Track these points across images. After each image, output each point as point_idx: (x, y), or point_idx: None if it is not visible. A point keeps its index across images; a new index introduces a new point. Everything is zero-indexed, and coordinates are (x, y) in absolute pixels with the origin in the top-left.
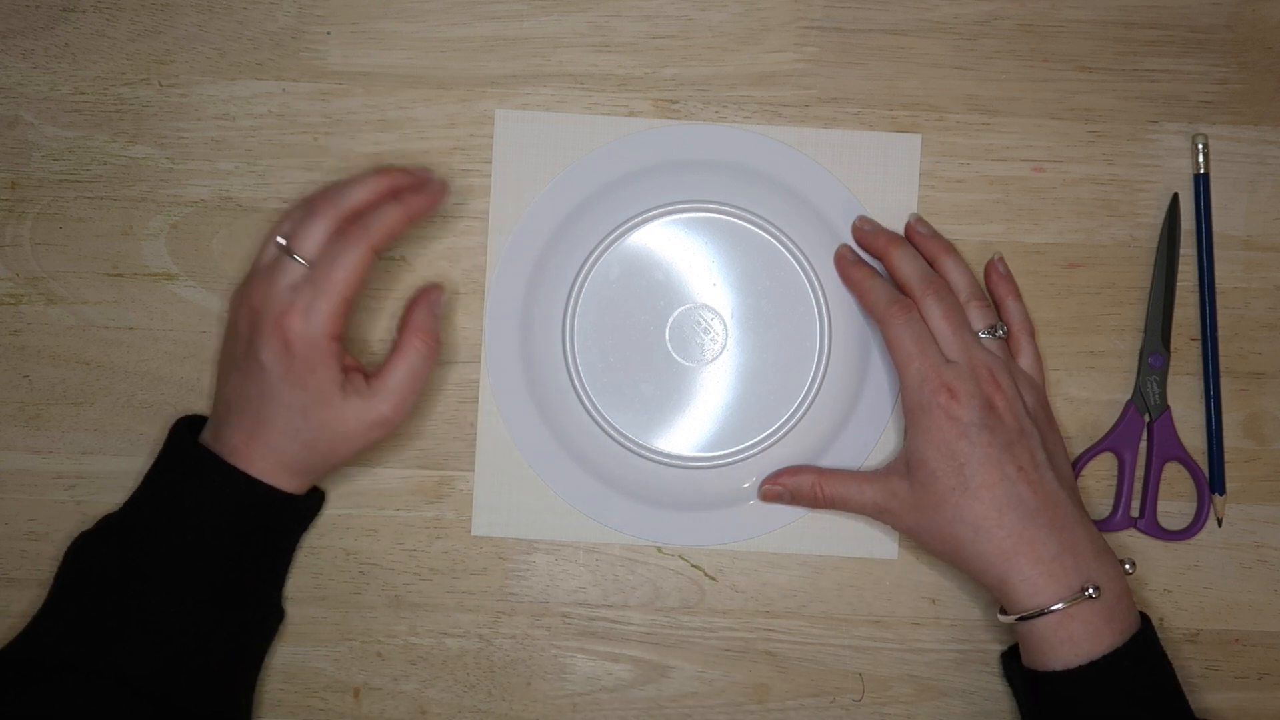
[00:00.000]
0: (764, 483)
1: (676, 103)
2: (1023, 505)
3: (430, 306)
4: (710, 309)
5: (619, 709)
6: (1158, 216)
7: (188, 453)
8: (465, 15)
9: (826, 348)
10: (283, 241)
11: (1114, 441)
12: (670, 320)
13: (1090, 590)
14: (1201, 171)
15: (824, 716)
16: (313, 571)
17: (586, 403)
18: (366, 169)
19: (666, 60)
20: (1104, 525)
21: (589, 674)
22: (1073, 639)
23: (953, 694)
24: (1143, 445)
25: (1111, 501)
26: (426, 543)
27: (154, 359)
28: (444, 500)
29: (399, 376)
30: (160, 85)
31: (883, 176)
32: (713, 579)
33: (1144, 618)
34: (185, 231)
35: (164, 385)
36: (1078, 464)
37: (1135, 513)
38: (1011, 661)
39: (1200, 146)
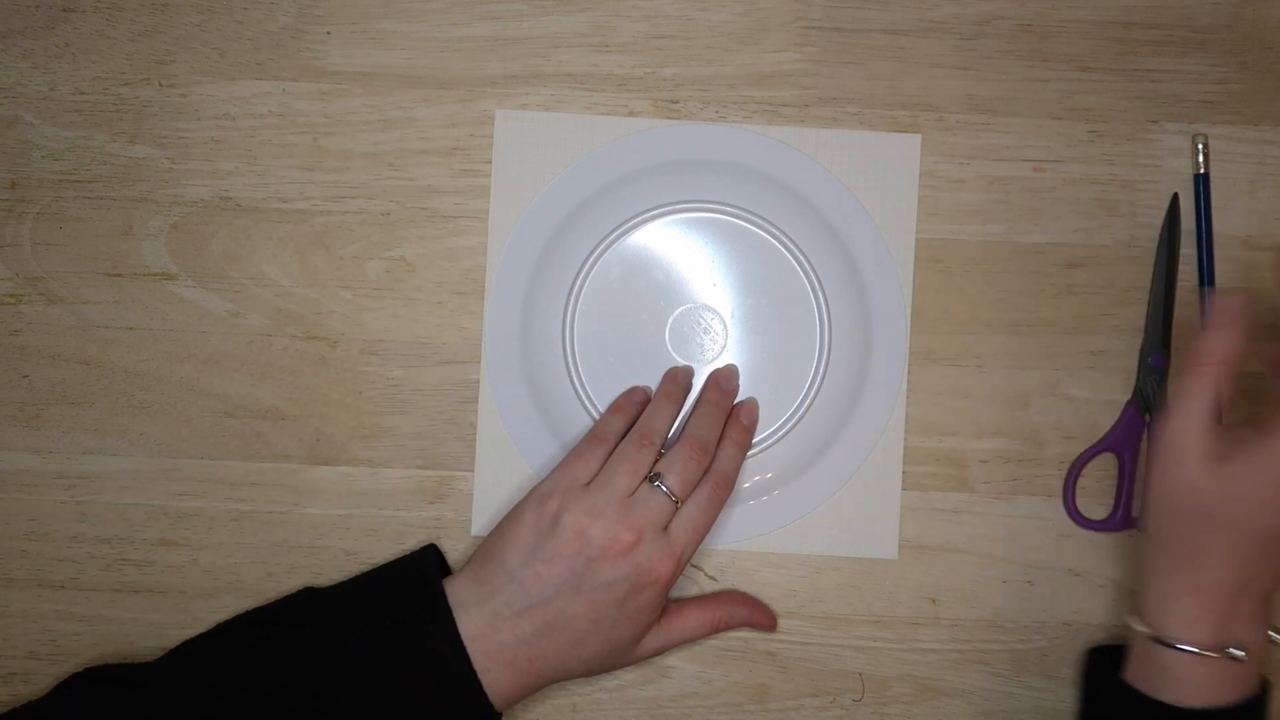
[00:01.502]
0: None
1: (676, 103)
2: (1249, 563)
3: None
4: (710, 309)
5: (619, 709)
6: (1158, 216)
7: (440, 628)
8: (465, 15)
9: (826, 348)
10: (655, 477)
11: (1114, 441)
12: (670, 320)
13: (1235, 651)
14: (1201, 171)
15: (824, 716)
16: (313, 571)
17: (586, 403)
18: (669, 388)
19: (666, 60)
20: (1104, 525)
21: None
22: (1193, 680)
23: (953, 694)
24: (1143, 445)
25: (1111, 501)
26: (426, 542)
27: (154, 359)
28: (444, 500)
29: (685, 633)
30: (160, 85)
31: (883, 176)
32: (713, 579)
33: (1265, 684)
34: (185, 231)
35: (164, 385)
36: (1077, 464)
37: (1135, 513)
38: (1097, 662)
39: (1200, 146)
